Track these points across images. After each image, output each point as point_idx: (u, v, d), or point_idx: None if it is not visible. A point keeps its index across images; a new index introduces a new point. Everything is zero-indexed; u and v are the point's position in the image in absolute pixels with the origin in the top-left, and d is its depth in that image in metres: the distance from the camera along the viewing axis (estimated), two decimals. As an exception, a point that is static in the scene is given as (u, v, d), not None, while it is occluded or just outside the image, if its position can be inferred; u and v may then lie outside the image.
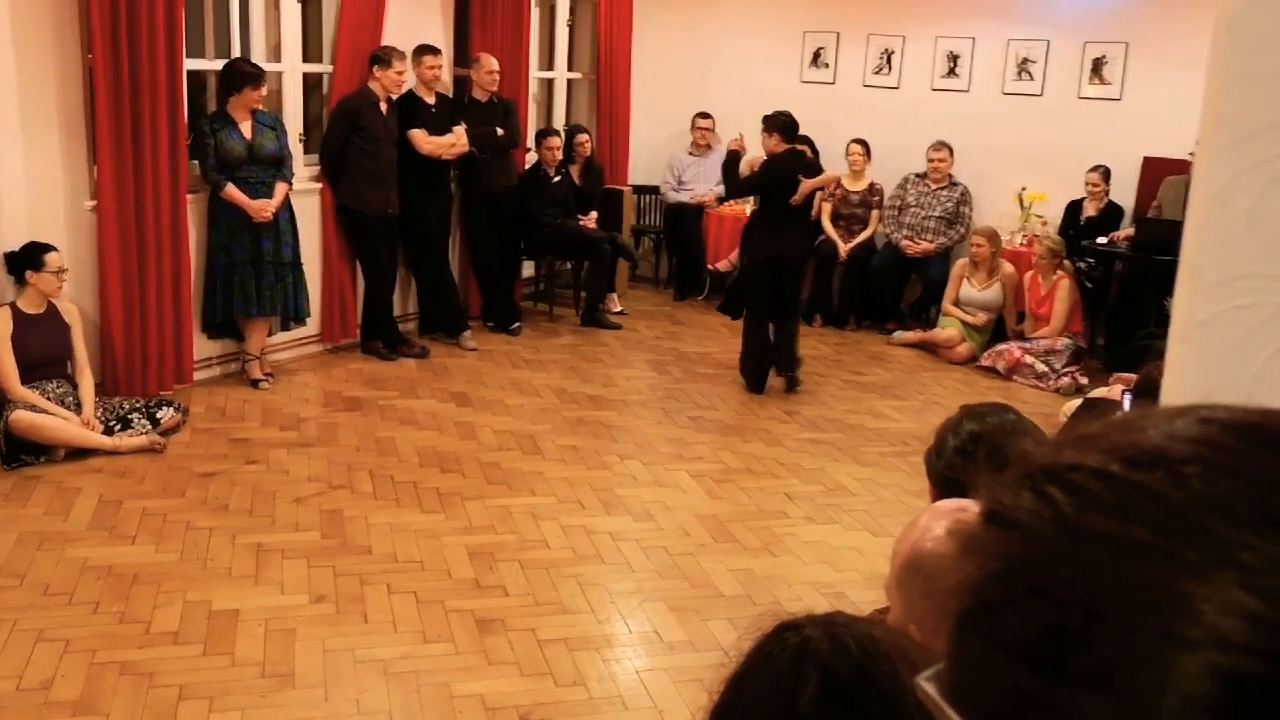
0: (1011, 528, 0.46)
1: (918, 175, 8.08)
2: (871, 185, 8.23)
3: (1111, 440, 0.46)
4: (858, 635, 0.94)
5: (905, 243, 7.92)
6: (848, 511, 4.83)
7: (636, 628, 3.73)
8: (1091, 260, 7.32)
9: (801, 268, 6.59)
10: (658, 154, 9.04)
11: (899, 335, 7.78)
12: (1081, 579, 0.42)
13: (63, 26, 5.12)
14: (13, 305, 4.90)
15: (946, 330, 7.48)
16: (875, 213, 8.19)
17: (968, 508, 1.26)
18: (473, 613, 3.74)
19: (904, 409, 6.36)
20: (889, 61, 8.44)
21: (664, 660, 3.52)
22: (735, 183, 6.57)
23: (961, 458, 1.88)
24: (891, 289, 8.05)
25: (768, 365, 6.41)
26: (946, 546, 1.19)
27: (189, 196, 5.66)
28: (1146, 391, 2.30)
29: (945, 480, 1.87)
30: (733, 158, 6.49)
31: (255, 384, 5.99)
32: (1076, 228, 7.53)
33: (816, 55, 8.72)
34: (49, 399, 4.89)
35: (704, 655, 3.56)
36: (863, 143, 8.22)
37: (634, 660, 3.53)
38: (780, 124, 6.26)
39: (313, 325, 6.52)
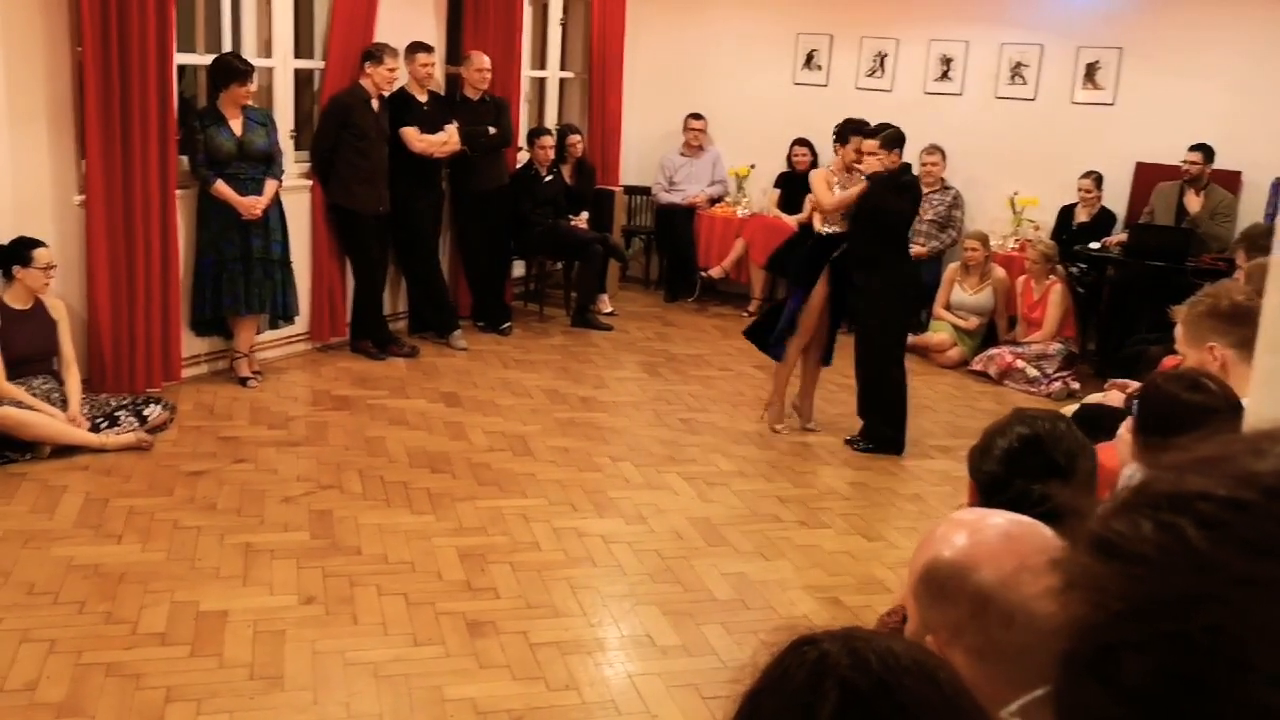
0: (1134, 563, 0.41)
1: (910, 178, 8.06)
2: (864, 188, 8.21)
3: (1242, 466, 0.42)
4: (878, 649, 0.91)
5: (897, 246, 7.90)
6: (841, 516, 4.81)
7: (629, 631, 3.71)
8: (1084, 265, 7.33)
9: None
10: (649, 154, 9.02)
11: (890, 338, 7.75)
12: (1224, 626, 0.38)
13: (52, 18, 5.06)
14: (-1, 300, 4.85)
15: (938, 334, 7.48)
16: (867, 216, 8.16)
17: (987, 516, 1.23)
18: (464, 615, 3.70)
19: (896, 412, 6.33)
20: (882, 64, 8.44)
21: (657, 664, 3.49)
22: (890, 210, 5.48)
23: (1009, 460, 1.85)
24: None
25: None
26: (964, 556, 1.17)
27: (178, 192, 5.60)
28: (1154, 401, 2.28)
29: (990, 480, 1.84)
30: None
31: (244, 382, 5.94)
32: (1068, 233, 7.54)
33: (809, 57, 8.70)
34: (35, 395, 4.83)
35: (697, 660, 3.53)
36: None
37: (627, 664, 3.50)
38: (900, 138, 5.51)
39: (302, 323, 6.48)
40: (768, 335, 5.74)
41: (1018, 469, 1.84)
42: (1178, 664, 0.38)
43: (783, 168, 8.58)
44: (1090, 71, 7.72)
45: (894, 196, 5.48)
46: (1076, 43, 7.71)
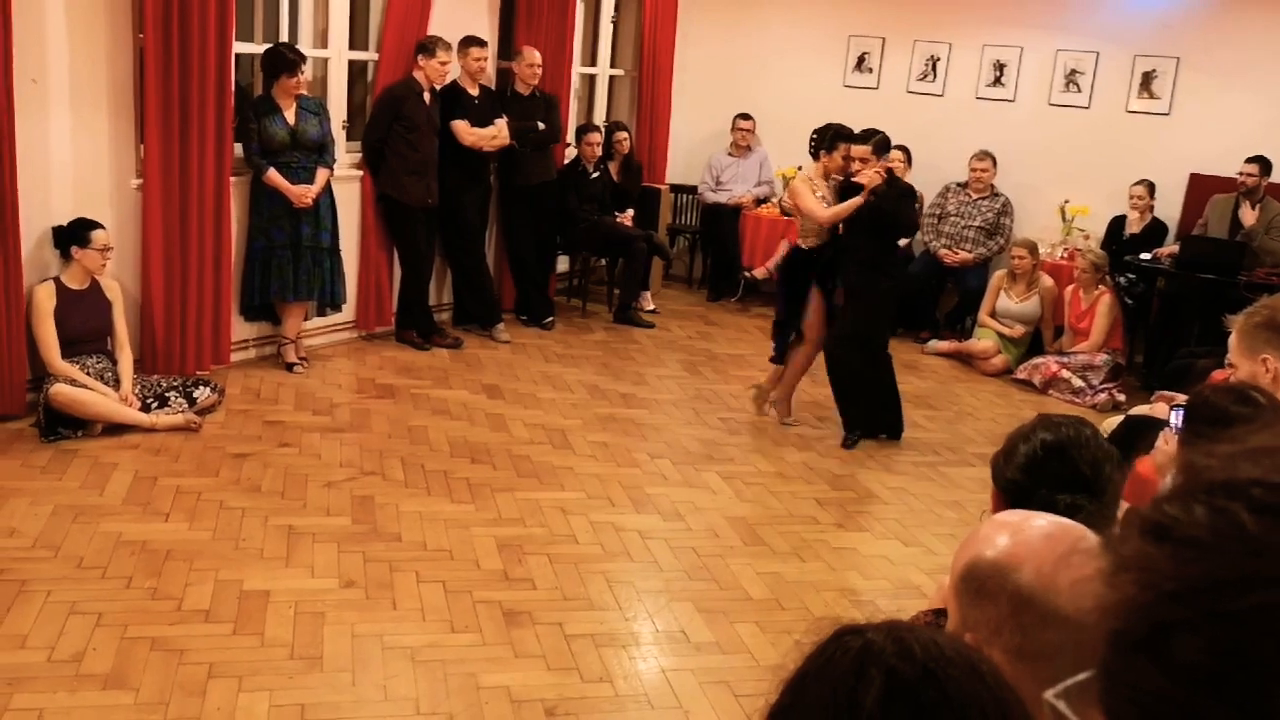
0: (1187, 545, 0.42)
1: (959, 184, 8.02)
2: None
3: None
4: (922, 640, 0.92)
5: (943, 252, 7.86)
6: (878, 520, 4.80)
7: (663, 627, 3.72)
8: (1133, 276, 7.24)
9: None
10: (697, 153, 9.02)
11: (933, 344, 7.72)
12: (1275, 606, 0.39)
13: (115, 6, 5.16)
14: (57, 280, 4.95)
15: (982, 341, 7.42)
16: (914, 220, 8.13)
17: (1030, 518, 1.24)
18: (500, 604, 3.74)
19: (936, 419, 6.31)
20: (934, 68, 8.38)
21: (691, 661, 3.51)
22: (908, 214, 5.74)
23: (1031, 466, 1.84)
24: (928, 298, 8.00)
25: None
26: (1006, 556, 1.17)
27: (232, 179, 5.69)
28: (1202, 413, 2.25)
29: (1013, 487, 1.83)
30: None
31: (290, 367, 6.02)
32: (1118, 243, 7.45)
33: (861, 60, 8.67)
34: (89, 374, 4.94)
35: (731, 658, 3.54)
36: (904, 149, 8.15)
37: (660, 659, 3.52)
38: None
39: (348, 312, 6.56)
40: (781, 347, 5.81)
41: (1041, 476, 1.83)
42: (1229, 643, 0.39)
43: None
44: (1146, 80, 7.63)
45: (905, 205, 5.52)
46: (1133, 51, 7.62)
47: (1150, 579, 0.43)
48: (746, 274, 8.58)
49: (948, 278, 7.95)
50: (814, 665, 0.94)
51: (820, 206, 5.45)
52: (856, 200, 5.35)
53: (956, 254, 7.82)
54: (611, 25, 8.73)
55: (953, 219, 7.94)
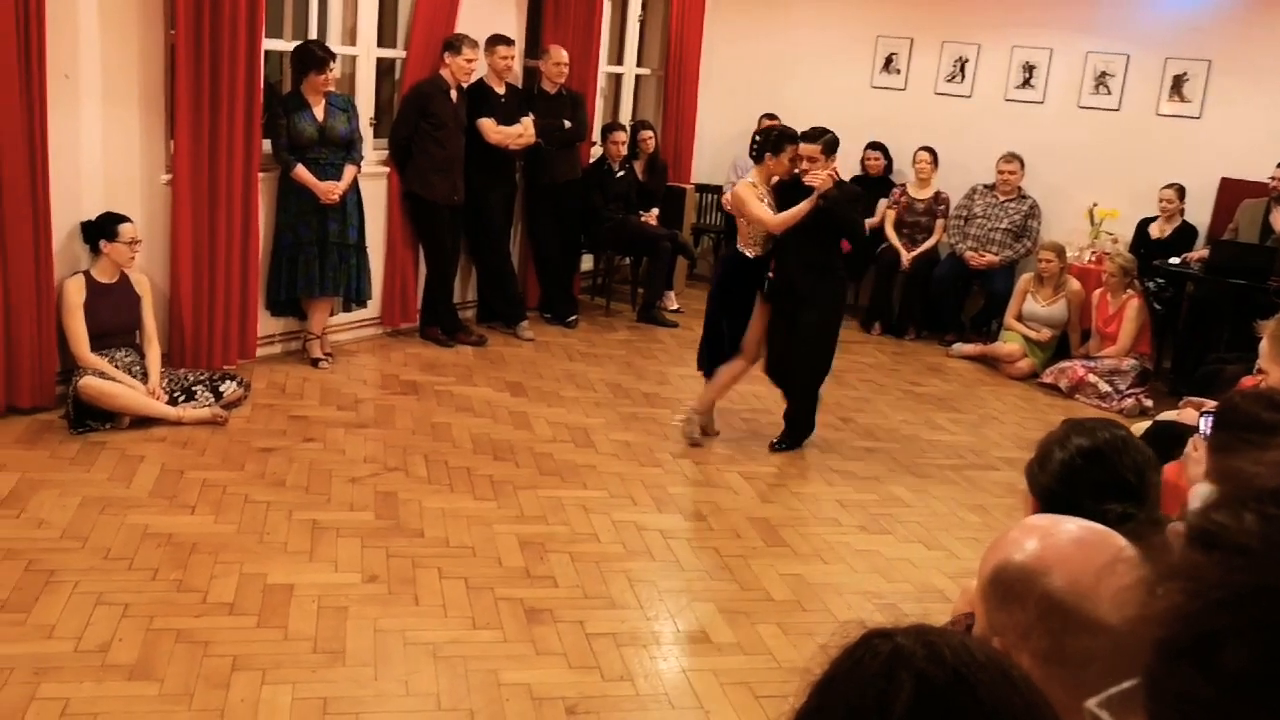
0: (1236, 553, 0.42)
1: (986, 186, 7.97)
2: (937, 194, 8.14)
3: None
4: (952, 644, 0.92)
5: (970, 254, 7.82)
6: (901, 523, 4.78)
7: (685, 627, 3.72)
8: (1162, 280, 7.18)
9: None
10: (722, 153, 9.01)
11: (958, 347, 7.68)
12: None
13: (147, 3, 5.20)
14: (86, 274, 5.00)
15: (1008, 344, 7.38)
16: (940, 222, 8.10)
17: (1060, 522, 1.23)
18: (522, 602, 3.75)
19: (961, 422, 6.28)
20: (962, 70, 8.34)
21: (712, 661, 3.50)
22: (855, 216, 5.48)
23: (1069, 474, 1.81)
24: (953, 300, 7.96)
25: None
26: (1035, 560, 1.16)
27: (260, 175, 5.73)
28: (1232, 419, 2.23)
29: (1050, 495, 1.80)
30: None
31: (315, 363, 6.06)
32: (1147, 246, 7.39)
33: (889, 60, 8.63)
34: (117, 367, 4.98)
35: (753, 659, 3.54)
36: (931, 150, 8.13)
37: (681, 659, 3.52)
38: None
39: (373, 308, 6.59)
40: (714, 360, 5.45)
41: (1080, 483, 1.79)
42: (1278, 651, 0.39)
43: (856, 172, 8.52)
44: (1177, 83, 7.56)
45: (854, 210, 5.30)
46: (1164, 54, 7.55)
47: (1198, 587, 0.42)
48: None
49: (973, 280, 7.90)
50: (842, 668, 0.94)
51: (768, 213, 5.14)
52: (806, 205, 5.04)
53: (982, 256, 7.77)
54: (638, 24, 8.73)
55: (979, 221, 7.90)
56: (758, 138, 5.39)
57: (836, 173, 5.15)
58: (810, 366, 5.40)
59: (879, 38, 8.61)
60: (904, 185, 8.25)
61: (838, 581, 4.16)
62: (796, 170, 5.17)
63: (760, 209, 5.16)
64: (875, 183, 8.38)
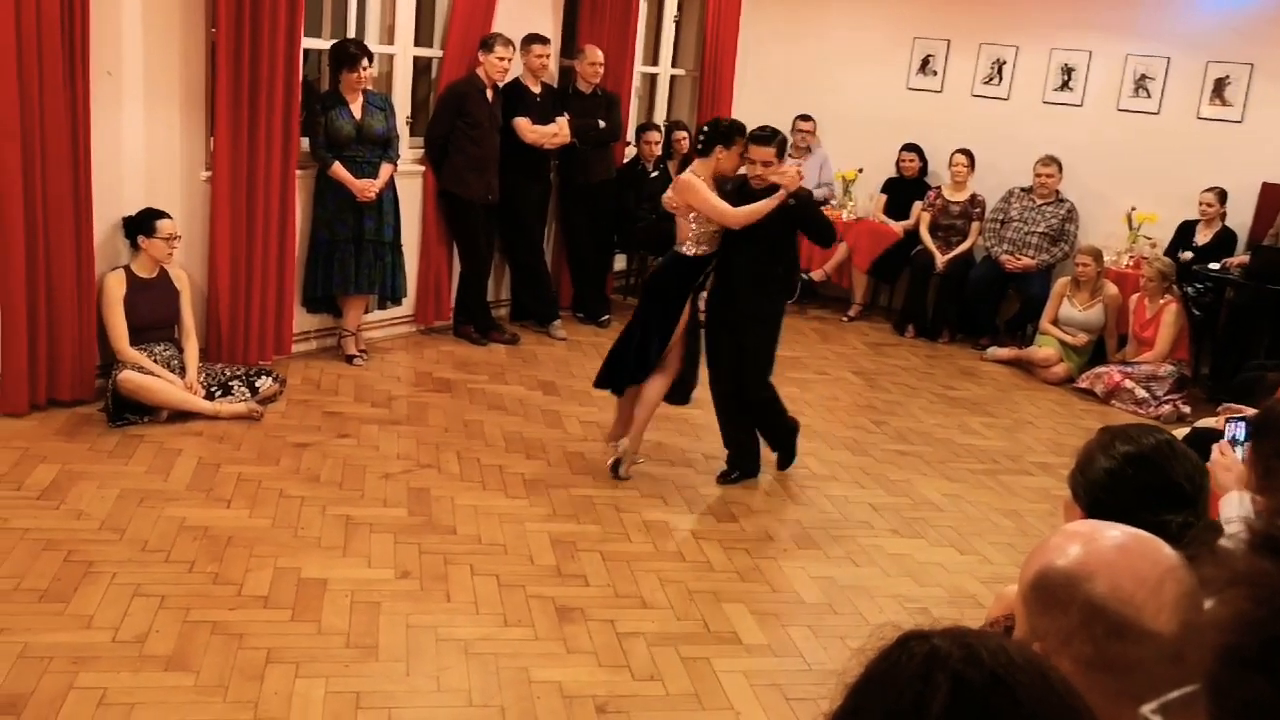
0: None
1: (1023, 189, 7.91)
2: (973, 197, 8.08)
3: None
4: (989, 646, 0.91)
5: (1005, 257, 7.76)
6: (934, 527, 4.75)
7: (715, 627, 3.72)
8: (1201, 286, 7.09)
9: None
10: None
11: (993, 351, 7.62)
12: None
13: (189, 2, 5.26)
14: (127, 269, 5.07)
15: (1044, 349, 7.31)
16: (975, 225, 8.04)
17: (1103, 528, 1.22)
18: (553, 600, 3.76)
19: (994, 426, 6.23)
20: (1000, 72, 8.28)
21: (742, 662, 3.50)
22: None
23: (1116, 482, 1.79)
24: (988, 303, 7.90)
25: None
26: (1078, 566, 1.16)
27: (298, 172, 5.78)
28: (1273, 427, 2.19)
29: (1097, 503, 1.77)
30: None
31: (350, 360, 6.10)
32: (1187, 250, 7.30)
33: (925, 62, 8.58)
34: (156, 361, 5.04)
35: (783, 660, 3.53)
36: (967, 153, 8.07)
37: (712, 660, 3.51)
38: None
39: (408, 306, 6.63)
40: (623, 375, 4.94)
41: (1127, 490, 1.77)
42: None
43: (891, 173, 8.48)
44: (1219, 87, 7.47)
45: (820, 213, 5.06)
46: (1205, 57, 7.46)
47: (1264, 594, 0.42)
48: (805, 276, 8.52)
49: (1009, 284, 7.84)
50: (878, 670, 0.94)
51: (727, 205, 4.65)
52: (772, 200, 4.62)
53: (1019, 260, 7.71)
54: (674, 25, 8.73)
55: (1016, 224, 7.83)
56: (705, 129, 4.92)
57: (801, 173, 4.88)
58: (759, 381, 4.96)
59: (916, 39, 8.56)
60: (939, 188, 8.20)
61: (869, 585, 4.14)
62: (748, 173, 4.74)
63: (718, 200, 4.67)
64: (910, 185, 8.35)
